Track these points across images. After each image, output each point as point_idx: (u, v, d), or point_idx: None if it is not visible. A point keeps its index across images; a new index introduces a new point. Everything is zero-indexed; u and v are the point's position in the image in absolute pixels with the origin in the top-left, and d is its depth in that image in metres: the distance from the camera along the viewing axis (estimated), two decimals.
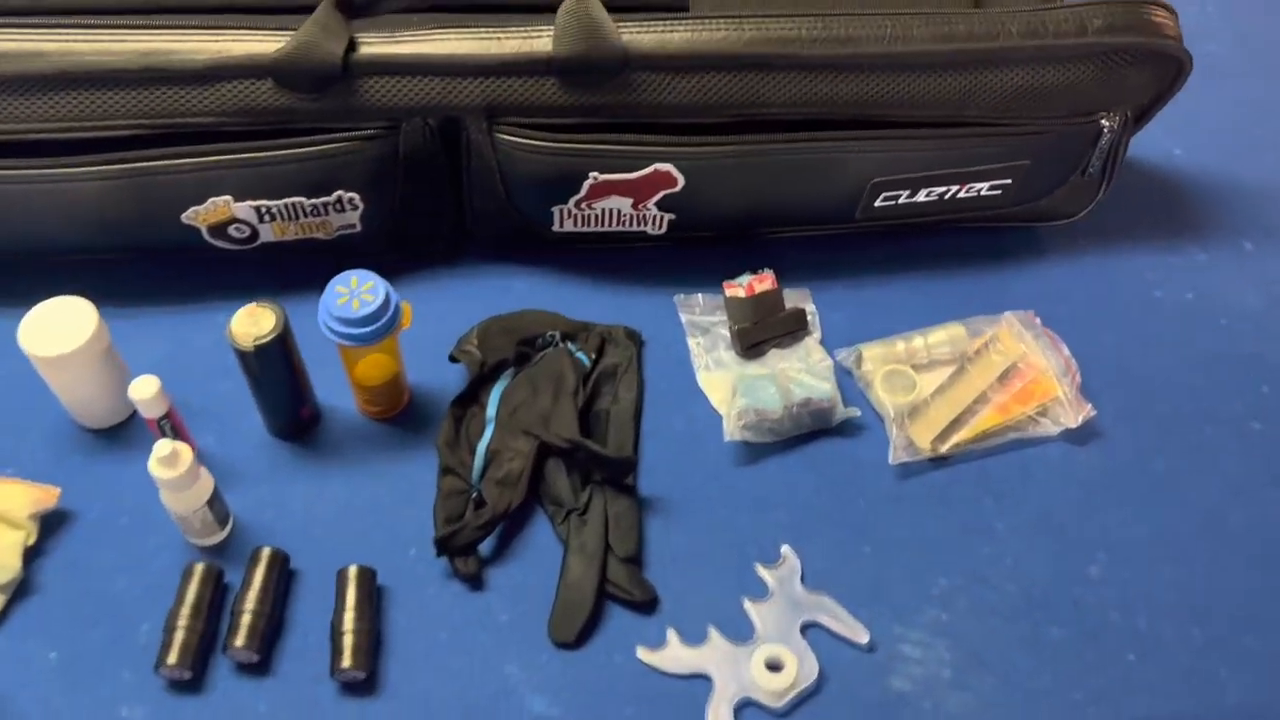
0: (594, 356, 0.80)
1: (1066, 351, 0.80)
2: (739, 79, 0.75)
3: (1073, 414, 0.78)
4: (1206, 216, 0.93)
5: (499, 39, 0.75)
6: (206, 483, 0.68)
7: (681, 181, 0.79)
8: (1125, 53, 0.77)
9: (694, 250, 0.87)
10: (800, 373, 0.78)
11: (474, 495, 0.72)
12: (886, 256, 0.88)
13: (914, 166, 0.81)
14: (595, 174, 0.78)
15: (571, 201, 0.80)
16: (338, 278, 0.70)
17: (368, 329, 0.69)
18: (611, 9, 0.87)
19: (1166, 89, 0.81)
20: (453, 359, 0.79)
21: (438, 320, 0.82)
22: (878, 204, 0.83)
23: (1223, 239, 0.92)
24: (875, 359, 0.80)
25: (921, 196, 0.83)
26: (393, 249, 0.84)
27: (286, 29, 0.73)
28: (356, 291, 0.69)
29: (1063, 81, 0.78)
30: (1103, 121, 0.81)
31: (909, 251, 0.89)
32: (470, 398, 0.76)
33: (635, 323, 0.84)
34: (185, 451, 0.66)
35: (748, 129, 0.77)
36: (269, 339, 0.68)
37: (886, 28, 0.76)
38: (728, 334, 0.82)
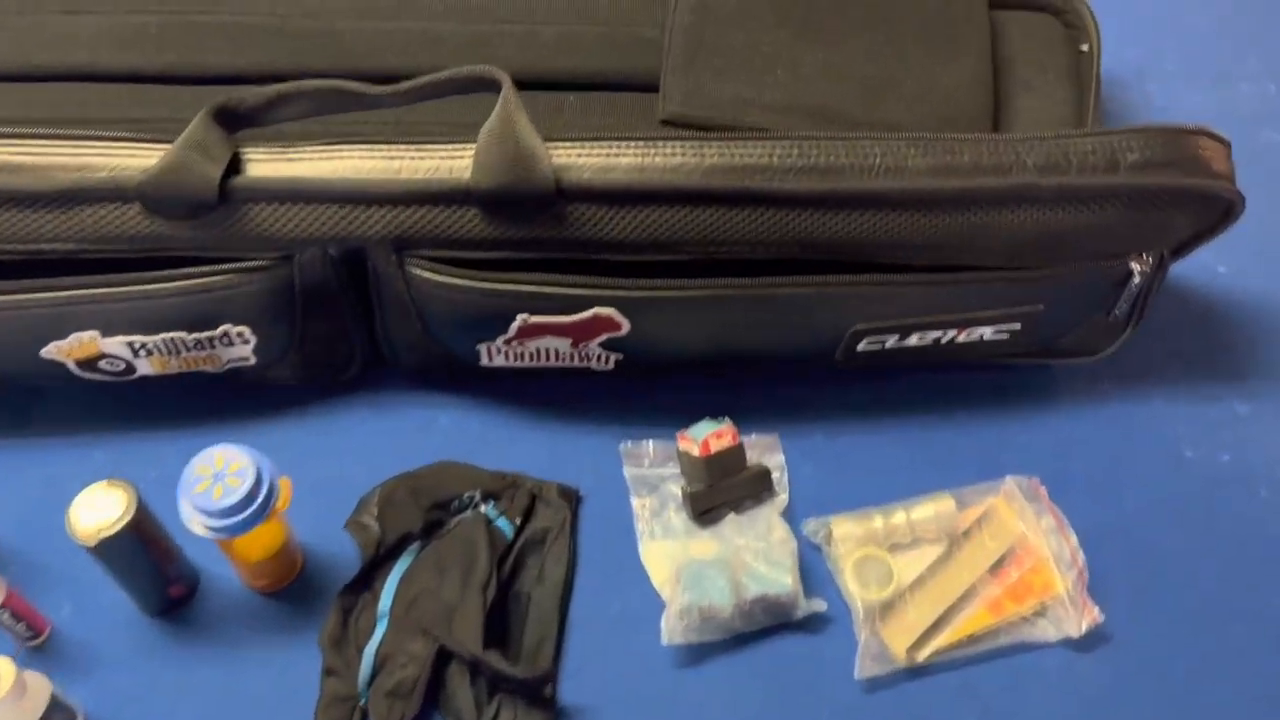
0: (519, 521, 0.69)
1: (1074, 540, 0.68)
2: (696, 215, 0.63)
3: (1076, 619, 0.66)
4: (1253, 357, 0.80)
5: (412, 158, 0.63)
6: (39, 695, 0.58)
7: (627, 326, 0.67)
8: (1164, 194, 0.64)
9: (647, 381, 0.75)
10: (757, 558, 0.67)
11: (361, 704, 0.62)
12: (870, 398, 0.76)
13: (903, 312, 0.68)
14: (525, 315, 0.66)
15: (499, 340, 0.68)
16: (199, 456, 0.59)
17: (232, 520, 0.58)
18: (576, 86, 0.76)
19: (1210, 229, 0.68)
20: (346, 529, 0.68)
21: (347, 460, 0.72)
22: (860, 348, 0.71)
23: (1270, 387, 0.78)
24: (848, 538, 0.68)
25: (913, 340, 0.71)
26: (295, 380, 0.73)
27: (166, 140, 0.62)
28: (221, 474, 0.58)
29: (1087, 224, 0.65)
30: (1132, 264, 0.68)
31: (897, 391, 0.76)
32: (362, 583, 0.65)
33: (576, 468, 0.73)
34: (5, 672, 0.55)
35: (705, 270, 0.65)
36: (114, 532, 0.57)
37: (875, 156, 0.63)
38: (679, 491, 0.71)
